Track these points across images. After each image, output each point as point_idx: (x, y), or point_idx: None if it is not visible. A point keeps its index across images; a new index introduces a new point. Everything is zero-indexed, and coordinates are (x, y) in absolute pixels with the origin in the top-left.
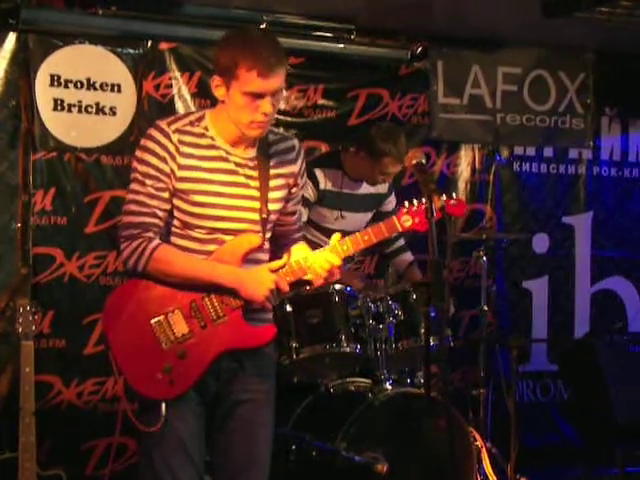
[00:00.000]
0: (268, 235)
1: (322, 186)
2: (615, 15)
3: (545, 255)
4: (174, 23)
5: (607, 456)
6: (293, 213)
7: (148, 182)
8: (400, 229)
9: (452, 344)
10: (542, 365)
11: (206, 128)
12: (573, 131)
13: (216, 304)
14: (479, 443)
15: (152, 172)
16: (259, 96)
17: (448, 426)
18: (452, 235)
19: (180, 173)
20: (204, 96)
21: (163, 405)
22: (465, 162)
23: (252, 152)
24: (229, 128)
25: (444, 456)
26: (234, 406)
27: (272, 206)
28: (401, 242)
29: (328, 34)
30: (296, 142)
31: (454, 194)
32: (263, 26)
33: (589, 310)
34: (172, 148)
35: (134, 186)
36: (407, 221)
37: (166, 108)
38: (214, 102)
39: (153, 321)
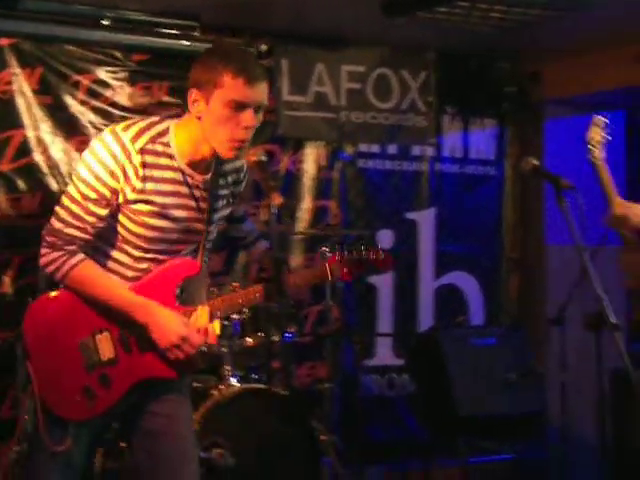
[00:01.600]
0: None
1: None
2: (454, 15)
3: (389, 251)
4: (14, 18)
5: (450, 448)
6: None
7: (92, 196)
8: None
9: (297, 339)
10: (387, 359)
11: (168, 144)
12: (416, 128)
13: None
14: (324, 437)
15: (98, 187)
16: (242, 106)
17: (292, 421)
18: (293, 231)
19: (132, 196)
20: (45, 93)
21: (70, 426)
22: (310, 159)
23: (207, 176)
24: (194, 147)
25: (289, 450)
26: (153, 409)
27: (212, 228)
28: (256, 232)
29: (172, 31)
30: (244, 162)
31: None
32: (106, 23)
33: (433, 304)
34: (130, 170)
35: (74, 193)
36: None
37: (7, 104)
38: (56, 99)
39: (81, 340)
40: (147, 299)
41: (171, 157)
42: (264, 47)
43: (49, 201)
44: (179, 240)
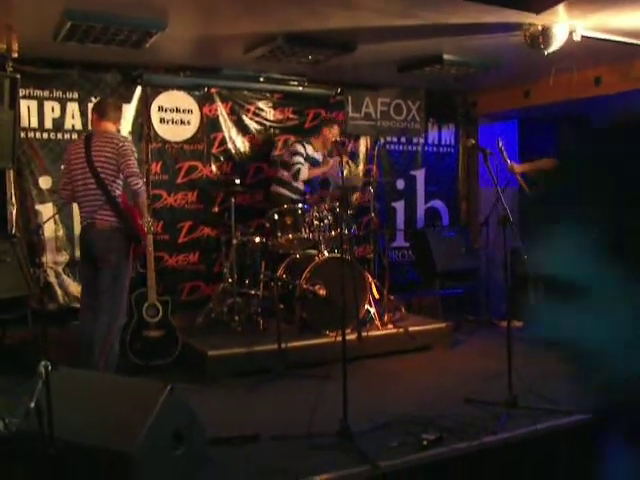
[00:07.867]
0: None
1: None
2: (432, 72)
3: (402, 190)
4: (218, 79)
5: (431, 287)
6: None
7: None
8: None
9: (356, 233)
10: (401, 242)
11: None
12: (415, 129)
13: None
14: (370, 279)
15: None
16: None
17: (355, 272)
18: (354, 179)
19: None
20: (233, 114)
21: None
22: (363, 144)
23: None
24: None
25: (354, 286)
26: None
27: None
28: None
29: (293, 82)
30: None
31: None
32: (262, 79)
33: (424, 216)
34: None
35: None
36: None
37: (215, 120)
38: (238, 118)
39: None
40: None
41: None
42: (339, 90)
43: (235, 167)
44: None
